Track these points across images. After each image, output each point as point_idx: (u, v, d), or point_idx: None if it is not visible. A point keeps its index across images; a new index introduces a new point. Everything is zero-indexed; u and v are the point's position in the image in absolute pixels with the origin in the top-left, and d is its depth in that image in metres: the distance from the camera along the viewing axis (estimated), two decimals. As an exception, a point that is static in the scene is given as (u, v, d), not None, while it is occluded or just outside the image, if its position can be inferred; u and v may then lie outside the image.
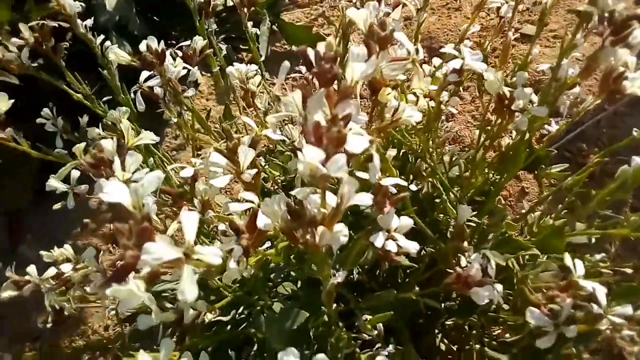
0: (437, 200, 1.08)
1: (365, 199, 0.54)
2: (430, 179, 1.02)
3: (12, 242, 1.71)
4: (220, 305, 0.75)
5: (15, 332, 1.52)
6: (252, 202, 0.64)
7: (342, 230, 0.57)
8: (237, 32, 2.14)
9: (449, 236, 1.12)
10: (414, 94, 0.89)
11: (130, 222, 0.46)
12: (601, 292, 0.76)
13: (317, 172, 0.46)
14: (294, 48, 2.15)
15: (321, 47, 0.50)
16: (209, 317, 0.68)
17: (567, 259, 0.72)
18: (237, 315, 1.10)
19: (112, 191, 0.47)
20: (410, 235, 1.16)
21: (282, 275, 1.06)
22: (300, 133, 0.80)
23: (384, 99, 0.65)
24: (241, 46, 2.16)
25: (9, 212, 1.74)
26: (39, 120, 1.16)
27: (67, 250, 0.88)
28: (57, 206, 1.08)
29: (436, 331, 1.16)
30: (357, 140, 0.47)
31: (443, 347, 1.22)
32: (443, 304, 1.20)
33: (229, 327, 1.06)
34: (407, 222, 0.71)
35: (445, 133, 1.15)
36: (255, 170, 0.62)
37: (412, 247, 0.70)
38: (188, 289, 0.45)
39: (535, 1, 1.98)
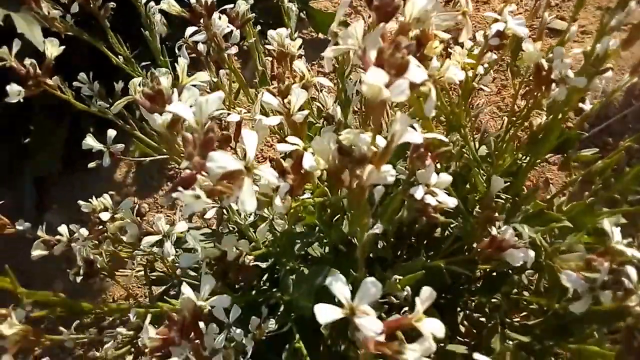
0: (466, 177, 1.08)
1: (415, 137, 0.55)
2: (462, 152, 1.03)
3: (39, 210, 1.74)
4: (256, 254, 0.76)
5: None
6: (298, 145, 0.65)
7: (389, 170, 0.58)
8: (265, 18, 2.17)
9: (476, 214, 1.13)
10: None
11: (194, 135, 0.47)
12: (632, 268, 0.77)
13: (379, 96, 0.47)
14: (320, 36, 2.18)
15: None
16: (249, 258, 0.69)
17: (606, 224, 0.72)
18: (262, 283, 1.12)
19: (178, 107, 0.49)
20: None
21: (307, 243, 1.07)
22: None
23: (432, 52, 0.66)
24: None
25: (37, 182, 1.78)
26: (75, 83, 1.19)
27: (106, 199, 0.90)
28: (92, 165, 1.10)
29: (458, 309, 1.16)
30: (418, 70, 0.48)
31: (463, 329, 1.22)
32: (466, 286, 1.21)
33: (254, 292, 1.07)
34: (446, 178, 0.72)
35: (476, 108, 1.16)
36: (306, 112, 0.64)
37: (451, 201, 0.71)
38: (248, 201, 0.46)
39: (564, -2, 1.98)
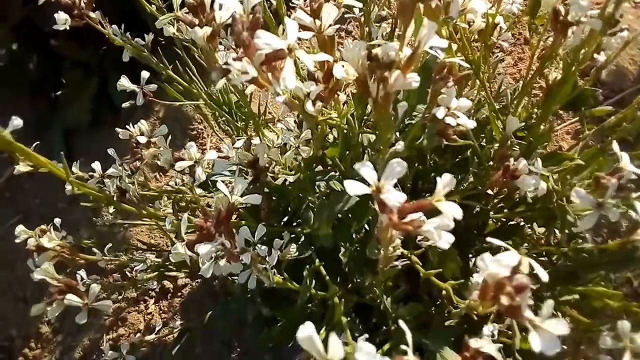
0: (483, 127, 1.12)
1: (440, 42, 0.60)
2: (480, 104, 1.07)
3: (67, 160, 1.81)
4: (284, 172, 0.81)
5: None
6: (328, 59, 0.69)
7: (414, 77, 0.62)
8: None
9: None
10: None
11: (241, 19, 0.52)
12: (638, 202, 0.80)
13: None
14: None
15: None
16: (278, 168, 0.74)
17: (615, 146, 0.76)
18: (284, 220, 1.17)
19: (226, 2, 0.54)
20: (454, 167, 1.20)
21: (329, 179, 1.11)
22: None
23: (457, -22, 0.70)
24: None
25: (67, 133, 1.85)
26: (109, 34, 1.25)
27: (143, 124, 0.95)
28: (125, 104, 1.15)
29: (470, 256, 1.20)
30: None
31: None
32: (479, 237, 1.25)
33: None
34: (466, 102, 0.76)
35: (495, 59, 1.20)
36: (337, 26, 0.68)
37: (470, 123, 0.75)
38: (289, 78, 0.51)
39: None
